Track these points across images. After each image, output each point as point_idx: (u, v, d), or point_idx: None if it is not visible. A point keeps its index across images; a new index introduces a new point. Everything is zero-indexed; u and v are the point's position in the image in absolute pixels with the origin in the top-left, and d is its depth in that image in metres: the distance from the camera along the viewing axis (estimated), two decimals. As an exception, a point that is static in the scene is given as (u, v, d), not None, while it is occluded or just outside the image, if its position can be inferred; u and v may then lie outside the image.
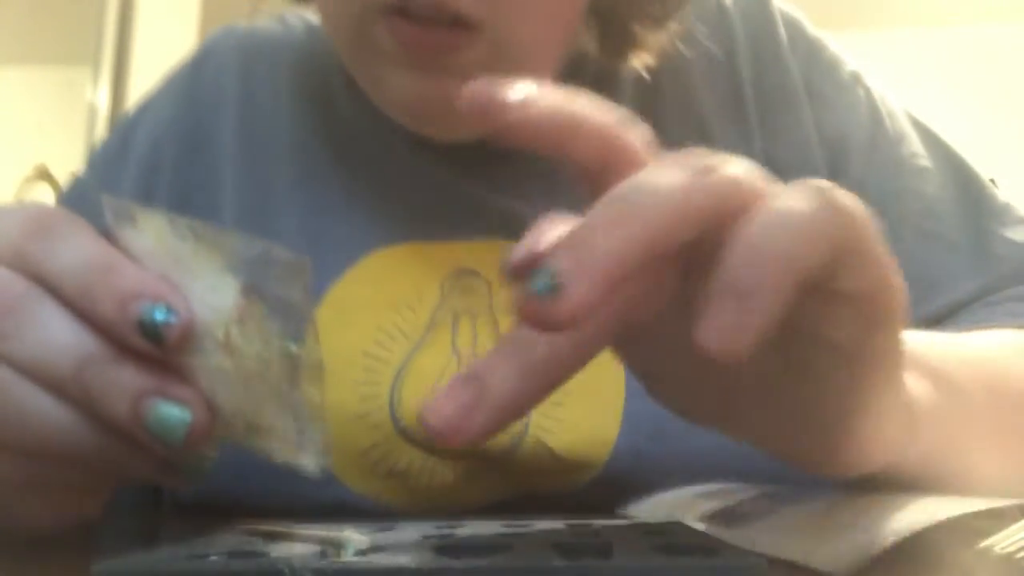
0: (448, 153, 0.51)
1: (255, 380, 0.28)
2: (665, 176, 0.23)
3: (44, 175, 2.40)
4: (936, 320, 0.49)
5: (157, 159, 0.56)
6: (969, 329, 0.46)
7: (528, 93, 0.25)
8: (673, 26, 0.50)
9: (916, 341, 0.35)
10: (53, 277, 0.28)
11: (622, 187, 0.23)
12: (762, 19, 0.57)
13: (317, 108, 0.56)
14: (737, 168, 0.24)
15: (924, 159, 0.54)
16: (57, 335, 0.28)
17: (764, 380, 0.28)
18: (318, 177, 0.54)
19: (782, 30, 0.57)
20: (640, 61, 0.50)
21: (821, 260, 0.22)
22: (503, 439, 0.45)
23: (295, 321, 0.28)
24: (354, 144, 0.54)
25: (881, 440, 0.29)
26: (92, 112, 2.44)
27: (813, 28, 0.58)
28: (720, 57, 0.55)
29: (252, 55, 0.59)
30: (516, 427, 0.45)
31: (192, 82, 0.59)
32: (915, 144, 0.55)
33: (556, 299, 0.21)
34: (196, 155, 0.56)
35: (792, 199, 0.23)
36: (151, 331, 0.26)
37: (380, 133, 0.53)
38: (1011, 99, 2.65)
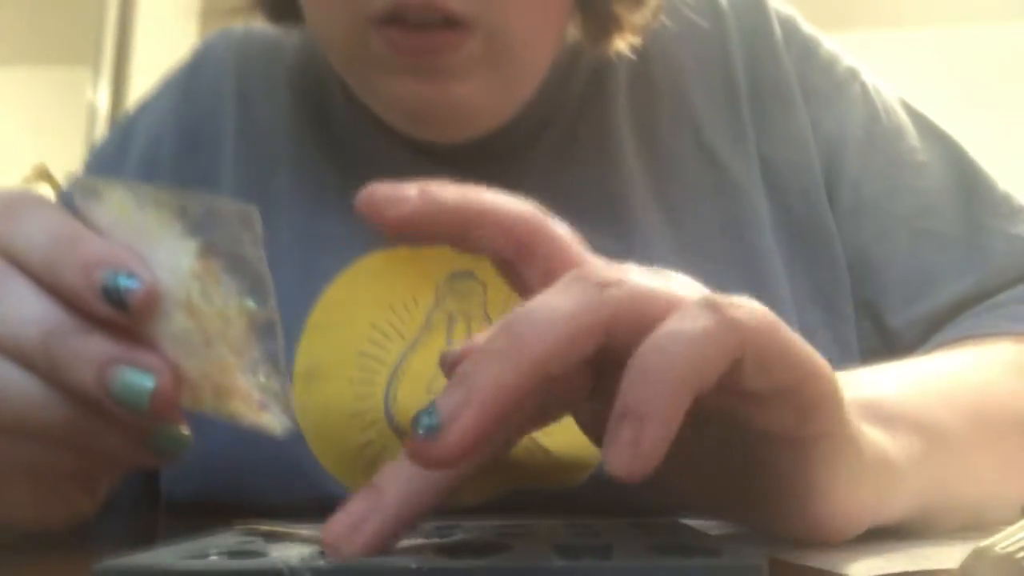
0: (444, 156, 0.51)
1: (217, 339, 0.28)
2: (558, 298, 0.24)
3: (44, 175, 2.39)
4: (938, 322, 0.49)
5: (155, 158, 0.56)
6: (969, 336, 0.47)
7: (428, 189, 0.27)
8: (653, 2, 0.50)
9: (896, 388, 0.36)
10: (19, 252, 0.29)
11: (512, 315, 0.24)
12: (757, 17, 0.57)
13: (313, 110, 0.56)
14: (643, 279, 0.25)
15: (921, 153, 0.54)
16: (23, 307, 0.28)
17: (729, 475, 0.30)
18: (314, 179, 0.53)
19: (777, 28, 0.56)
20: (625, 42, 0.50)
21: (716, 371, 0.23)
22: None
23: (250, 276, 0.28)
24: (350, 147, 0.54)
25: (857, 504, 0.30)
26: (92, 112, 2.44)
27: (808, 25, 0.58)
28: (714, 54, 0.55)
29: (249, 56, 0.59)
30: None
31: (190, 82, 0.59)
32: (912, 138, 0.55)
33: (436, 440, 0.22)
34: (194, 155, 0.56)
35: (683, 319, 0.23)
36: (115, 297, 0.27)
37: (376, 136, 0.53)
38: (1011, 99, 2.65)
